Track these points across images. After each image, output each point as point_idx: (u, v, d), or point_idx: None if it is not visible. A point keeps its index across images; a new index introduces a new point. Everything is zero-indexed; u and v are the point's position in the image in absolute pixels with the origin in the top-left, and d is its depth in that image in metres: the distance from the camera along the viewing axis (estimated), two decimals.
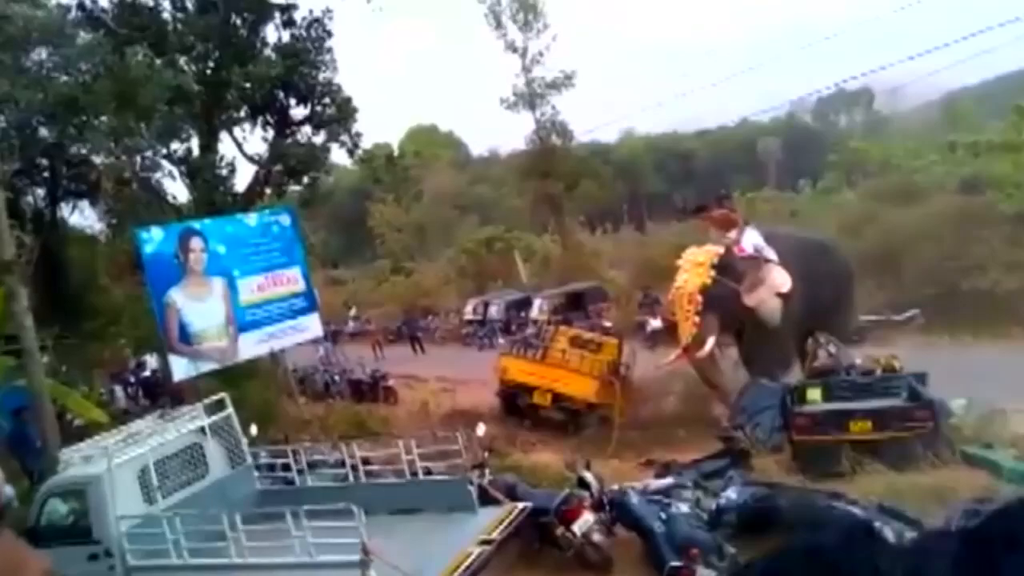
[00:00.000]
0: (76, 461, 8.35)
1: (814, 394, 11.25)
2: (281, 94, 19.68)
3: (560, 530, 8.40)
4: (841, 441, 10.25)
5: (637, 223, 42.36)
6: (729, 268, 13.50)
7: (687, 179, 54.17)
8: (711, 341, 13.33)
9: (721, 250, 13.76)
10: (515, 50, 32.58)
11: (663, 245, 27.55)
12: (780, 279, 13.42)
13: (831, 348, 13.30)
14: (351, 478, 9.21)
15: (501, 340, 23.29)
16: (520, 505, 8.46)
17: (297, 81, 19.40)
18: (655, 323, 20.33)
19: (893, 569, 0.83)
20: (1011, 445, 10.17)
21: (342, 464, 9.52)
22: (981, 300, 17.85)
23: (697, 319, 13.39)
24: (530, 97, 32.75)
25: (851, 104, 63.13)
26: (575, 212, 36.93)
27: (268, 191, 20.39)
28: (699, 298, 13.39)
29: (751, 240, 13.83)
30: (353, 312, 31.81)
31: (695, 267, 13.67)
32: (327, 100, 19.81)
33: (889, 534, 7.36)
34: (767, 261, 13.62)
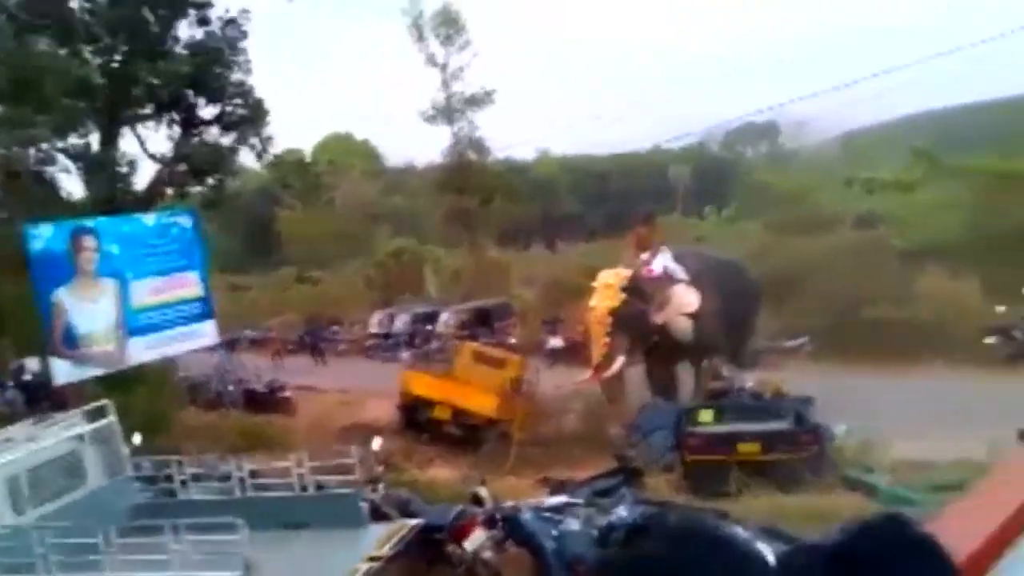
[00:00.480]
0: None
1: (706, 416, 11.60)
2: (190, 92, 19.08)
3: (451, 547, 8.35)
4: (730, 462, 10.60)
5: (548, 242, 42.80)
6: (638, 290, 13.97)
7: (600, 201, 55.05)
8: (620, 360, 13.76)
9: (630, 273, 14.17)
10: (436, 64, 32.61)
11: (572, 265, 28.00)
12: (687, 298, 13.93)
13: (724, 371, 13.84)
14: (237, 491, 8.93)
15: (405, 354, 23.09)
16: (412, 521, 8.37)
17: (208, 80, 18.86)
18: (555, 342, 20.72)
19: None
20: (890, 470, 10.69)
21: (228, 478, 9.23)
22: (869, 331, 18.74)
23: (607, 340, 13.71)
24: (449, 112, 32.80)
25: (758, 137, 65.57)
26: (488, 228, 37.05)
27: (170, 191, 19.71)
28: (609, 319, 13.72)
29: (662, 261, 14.35)
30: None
31: (606, 289, 14.15)
32: (238, 101, 19.32)
33: (769, 555, 7.62)
34: (676, 281, 14.10)
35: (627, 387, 14.59)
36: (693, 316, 13.92)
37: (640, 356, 14.85)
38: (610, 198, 55.78)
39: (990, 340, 17.42)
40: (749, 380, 13.47)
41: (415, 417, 15.04)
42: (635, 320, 13.76)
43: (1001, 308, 18.34)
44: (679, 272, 14.30)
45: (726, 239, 30.29)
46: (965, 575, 1.17)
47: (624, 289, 13.99)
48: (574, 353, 19.59)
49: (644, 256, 14.67)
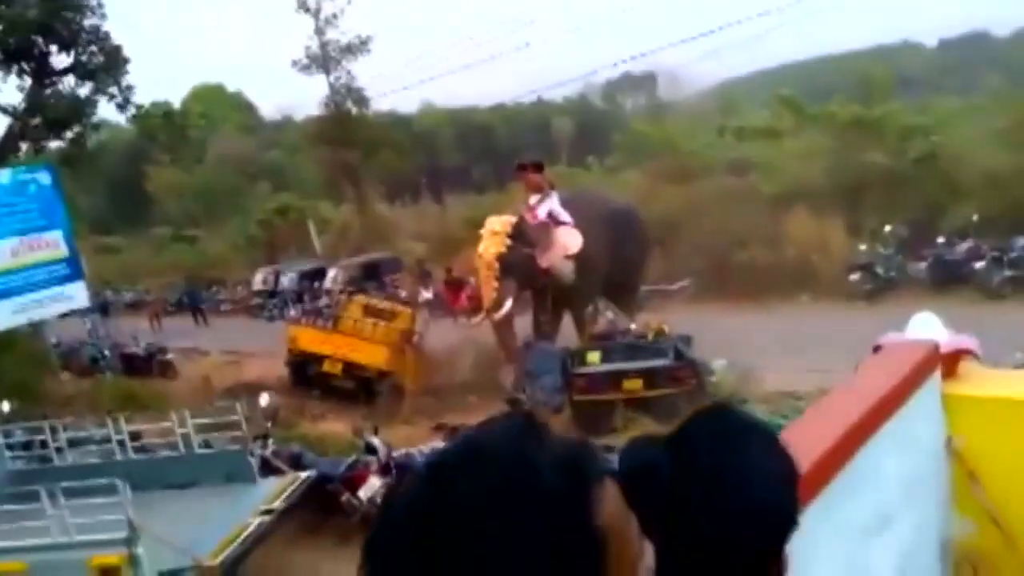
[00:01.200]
0: None
1: (593, 357, 11.93)
2: (40, 39, 17.72)
3: (346, 496, 8.36)
4: (616, 400, 10.99)
5: (436, 195, 42.50)
6: (523, 234, 14.27)
7: (485, 153, 55.00)
8: (508, 303, 14.10)
9: (514, 219, 14.37)
10: (308, 10, 31.45)
11: (460, 217, 27.95)
12: (569, 241, 14.33)
13: (609, 314, 14.26)
14: (118, 454, 8.61)
15: (293, 311, 22.61)
16: (303, 474, 8.33)
17: (59, 27, 17.54)
18: (426, 294, 21.05)
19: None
20: (763, 402, 11.33)
21: (107, 441, 8.89)
22: (744, 272, 19.65)
23: (496, 284, 14.01)
24: (324, 60, 31.79)
25: (636, 88, 66.85)
26: (373, 182, 36.41)
27: (24, 146, 18.38)
28: (496, 265, 14.00)
29: (547, 206, 14.62)
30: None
31: (492, 236, 14.41)
32: (93, 48, 18.09)
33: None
34: (560, 224, 14.42)
35: (515, 331, 14.87)
36: (576, 258, 14.32)
37: (529, 299, 15.24)
38: (495, 150, 55.86)
39: (854, 277, 18.56)
40: (633, 322, 13.92)
41: (304, 372, 14.81)
42: (521, 264, 14.08)
43: (863, 247, 19.54)
44: (563, 215, 14.68)
45: (608, 188, 30.84)
46: (807, 484, 1.23)
47: (509, 235, 14.25)
48: (445, 304, 20.52)
49: (532, 201, 14.94)
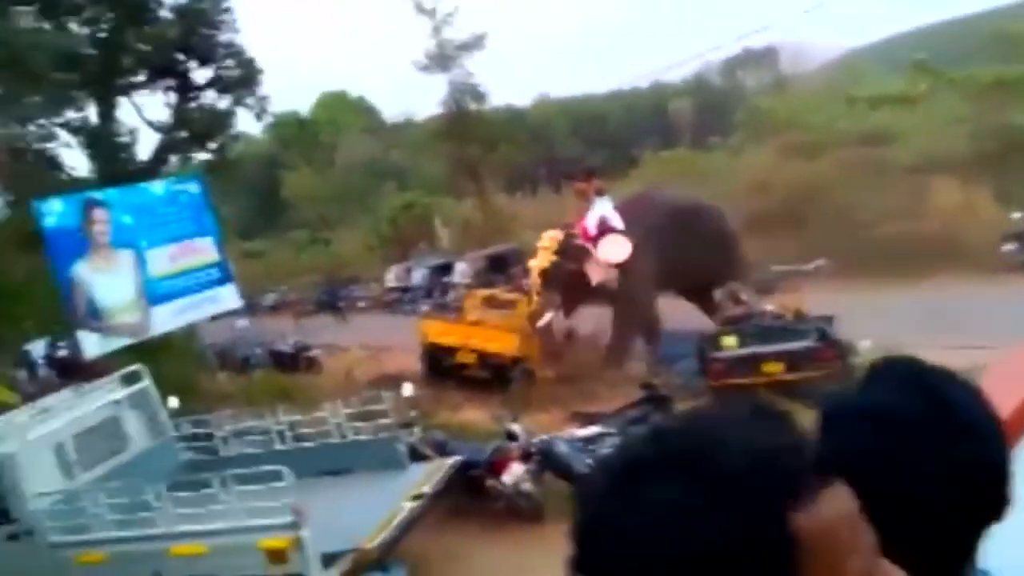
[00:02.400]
0: None
1: (729, 341, 11.68)
2: (181, 56, 18.93)
3: (490, 481, 8.54)
4: (755, 384, 10.71)
5: (554, 185, 42.58)
6: (569, 250, 14.70)
7: (601, 141, 54.62)
8: (548, 315, 14.69)
9: (561, 236, 14.96)
10: (425, 11, 32.10)
11: (578, 206, 27.89)
12: (613, 249, 14.36)
13: (743, 297, 13.90)
14: (278, 444, 9.12)
15: (425, 306, 23.21)
16: (450, 460, 8.56)
17: (197, 43, 18.71)
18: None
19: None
20: None
21: (267, 432, 9.42)
22: (886, 247, 18.70)
23: (537, 297, 14.81)
24: (442, 59, 32.37)
25: (757, 64, 64.57)
26: (493, 176, 36.87)
27: (174, 159, 19.69)
28: (538, 280, 14.78)
29: (598, 213, 14.62)
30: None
31: (542, 251, 15.05)
32: (230, 62, 19.20)
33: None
34: (608, 232, 14.55)
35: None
36: (620, 266, 14.30)
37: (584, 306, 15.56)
38: (611, 138, 55.39)
39: (1006, 248, 17.34)
40: (769, 305, 13.53)
41: (439, 364, 15.19)
42: (563, 278, 14.49)
43: (1017, 215, 18.22)
44: (615, 222, 14.70)
45: (733, 170, 30.03)
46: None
47: (556, 252, 14.67)
48: None
49: (583, 210, 15.16)
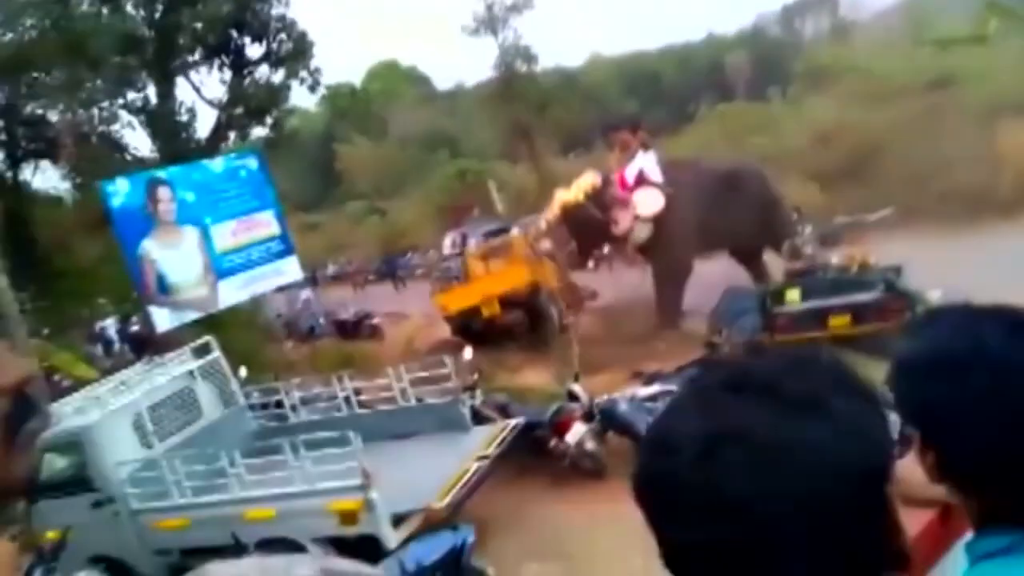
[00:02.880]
0: (69, 414, 8.35)
1: (792, 295, 11.42)
2: (235, 33, 19.15)
3: (553, 441, 8.59)
4: (821, 338, 10.47)
5: (610, 146, 42.08)
6: (600, 197, 14.31)
7: (656, 99, 53.62)
8: (547, 242, 14.64)
9: (600, 179, 14.56)
10: None
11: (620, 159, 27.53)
12: (647, 202, 13.89)
13: (807, 250, 13.57)
14: (344, 410, 9.31)
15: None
16: (513, 421, 8.63)
17: (250, 19, 18.87)
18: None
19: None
20: None
21: (334, 399, 9.62)
22: (955, 195, 18.01)
23: (549, 220, 14.69)
24: (491, 22, 32.13)
25: (815, 12, 62.40)
26: (546, 139, 36.60)
27: (232, 135, 20.02)
28: (558, 210, 14.50)
29: (637, 166, 14.35)
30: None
31: (574, 186, 14.67)
32: (282, 36, 19.33)
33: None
34: (646, 184, 14.17)
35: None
36: (659, 221, 13.88)
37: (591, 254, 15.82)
38: (666, 95, 54.34)
39: None
40: (835, 257, 13.19)
41: (471, 330, 14.75)
42: (581, 221, 14.27)
43: None
44: (654, 176, 14.30)
45: (793, 120, 29.24)
46: None
47: (587, 194, 14.32)
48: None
49: (623, 161, 14.70)
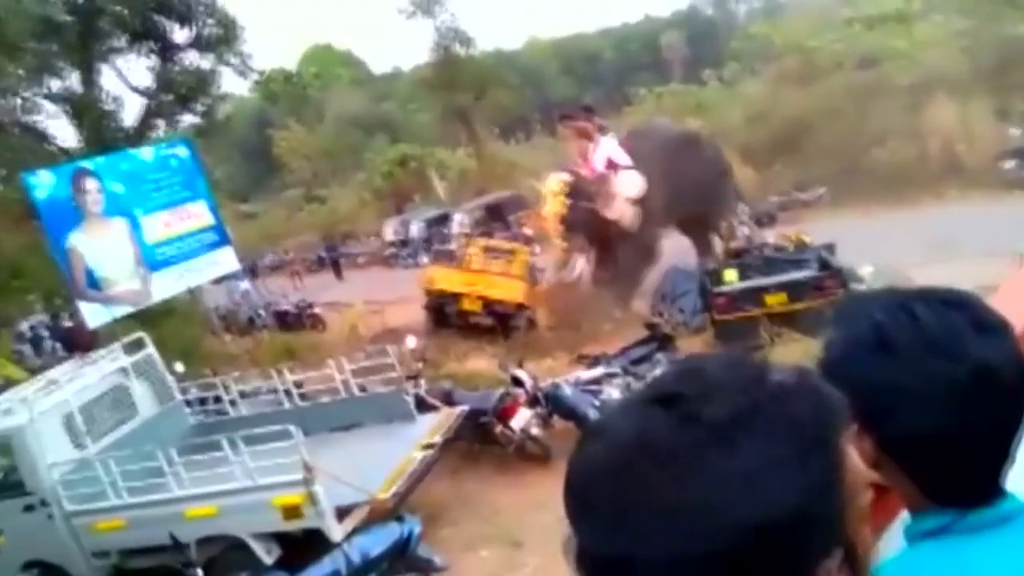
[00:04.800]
0: None
1: (730, 274, 11.63)
2: (160, 18, 18.52)
3: (499, 428, 8.59)
4: (759, 315, 10.70)
5: (550, 130, 42.03)
6: (580, 190, 14.14)
7: (594, 81, 53.83)
8: (581, 262, 14.14)
9: (570, 177, 14.39)
10: None
11: (578, 146, 27.61)
12: (630, 184, 13.88)
13: (744, 230, 13.84)
14: (286, 403, 9.16)
15: (425, 258, 23.10)
16: (457, 409, 8.60)
17: (175, 2, 18.27)
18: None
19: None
20: None
21: (275, 392, 9.46)
22: (885, 171, 18.53)
23: (564, 245, 14.37)
24: (427, 4, 31.72)
25: None
26: (486, 123, 36.38)
27: (161, 123, 19.43)
28: (560, 227, 14.29)
29: (603, 153, 14.34)
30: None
31: (553, 197, 14.44)
32: (210, 21, 18.75)
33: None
34: (619, 168, 14.00)
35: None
36: (639, 201, 13.93)
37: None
38: (605, 76, 54.58)
39: (1006, 164, 17.18)
40: (770, 236, 13.48)
41: (443, 312, 15.15)
42: (584, 220, 14.00)
43: (1015, 131, 18.02)
44: (622, 158, 14.29)
45: (728, 101, 29.65)
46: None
47: (568, 194, 14.15)
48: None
49: (589, 148, 14.56)
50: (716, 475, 0.67)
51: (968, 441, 1.01)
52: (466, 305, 14.72)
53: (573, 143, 15.07)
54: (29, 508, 7.61)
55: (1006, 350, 1.01)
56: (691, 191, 14.21)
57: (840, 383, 1.08)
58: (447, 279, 15.19)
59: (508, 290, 14.49)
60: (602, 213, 13.93)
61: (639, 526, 0.68)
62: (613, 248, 14.58)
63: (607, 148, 14.49)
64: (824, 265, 11.18)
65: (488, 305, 14.61)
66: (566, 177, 14.46)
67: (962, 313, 1.03)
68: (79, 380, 8.44)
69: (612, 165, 14.29)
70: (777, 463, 0.67)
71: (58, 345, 17.68)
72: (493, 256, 15.32)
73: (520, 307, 14.44)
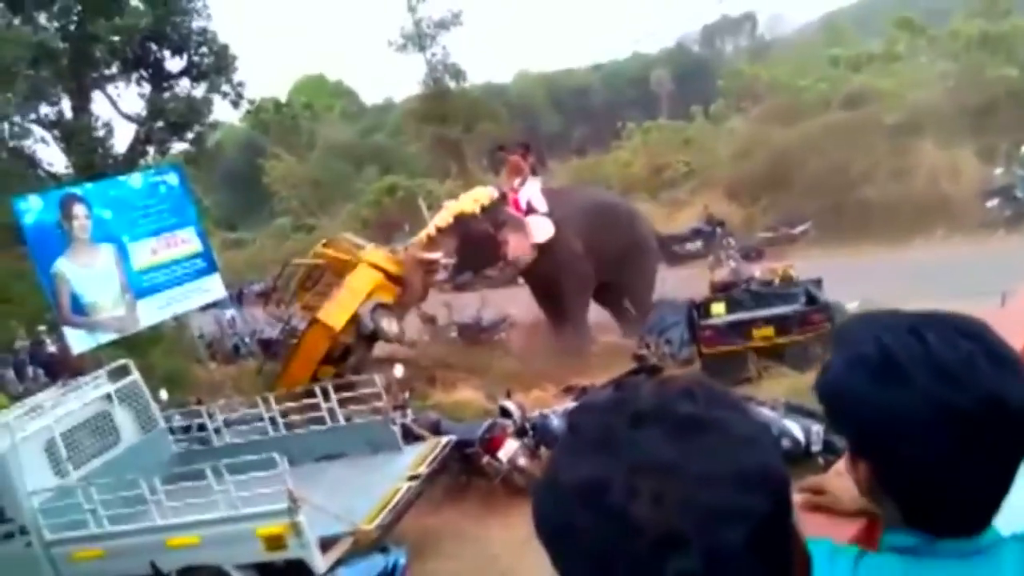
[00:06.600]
0: None
1: (718, 308, 11.68)
2: (153, 46, 18.66)
3: (486, 459, 8.53)
4: (746, 348, 10.74)
5: (538, 161, 42.35)
6: (497, 212, 13.96)
7: (583, 115, 54.35)
8: (439, 254, 13.85)
9: (497, 194, 14.25)
10: None
11: (563, 181, 27.84)
12: (540, 230, 13.89)
13: (731, 263, 13.93)
14: (270, 431, 9.07)
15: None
16: (444, 439, 8.54)
17: (169, 31, 18.42)
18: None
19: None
20: None
21: (260, 420, 9.37)
22: (871, 209, 18.72)
23: (437, 228, 13.92)
24: (419, 38, 32.10)
25: (735, 31, 64.35)
26: (475, 155, 36.63)
27: (151, 150, 19.46)
28: (451, 219, 13.88)
29: (528, 193, 14.38)
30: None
31: (470, 198, 14.26)
32: (203, 50, 18.92)
33: (796, 428, 7.81)
34: (532, 212, 14.11)
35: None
36: (547, 249, 13.82)
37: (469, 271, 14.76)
38: (594, 111, 55.12)
39: (990, 203, 17.40)
40: (757, 270, 13.55)
41: (333, 358, 14.00)
42: (471, 235, 13.72)
43: (999, 170, 18.28)
44: (540, 204, 14.25)
45: (714, 138, 29.96)
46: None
47: (483, 208, 13.93)
48: None
49: (516, 183, 14.60)
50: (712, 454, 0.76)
51: (969, 476, 0.99)
52: (343, 339, 13.85)
53: (507, 175, 15.11)
54: (8, 536, 7.47)
55: (1019, 385, 0.98)
56: (600, 259, 14.11)
57: (836, 406, 1.08)
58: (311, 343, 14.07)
59: (338, 306, 13.59)
60: (500, 241, 13.76)
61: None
62: (471, 269, 14.50)
63: (530, 190, 14.43)
64: (811, 300, 11.25)
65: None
66: (493, 193, 14.34)
67: (975, 343, 1.00)
68: (62, 406, 8.34)
69: (530, 208, 14.22)
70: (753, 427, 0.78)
71: (40, 371, 17.48)
72: (315, 286, 14.70)
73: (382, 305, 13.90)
